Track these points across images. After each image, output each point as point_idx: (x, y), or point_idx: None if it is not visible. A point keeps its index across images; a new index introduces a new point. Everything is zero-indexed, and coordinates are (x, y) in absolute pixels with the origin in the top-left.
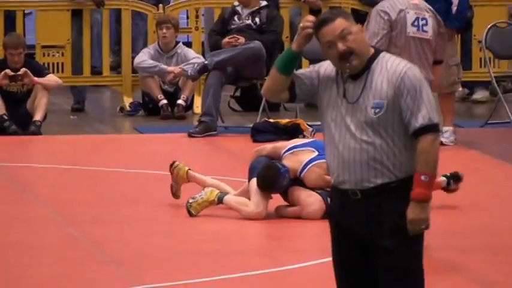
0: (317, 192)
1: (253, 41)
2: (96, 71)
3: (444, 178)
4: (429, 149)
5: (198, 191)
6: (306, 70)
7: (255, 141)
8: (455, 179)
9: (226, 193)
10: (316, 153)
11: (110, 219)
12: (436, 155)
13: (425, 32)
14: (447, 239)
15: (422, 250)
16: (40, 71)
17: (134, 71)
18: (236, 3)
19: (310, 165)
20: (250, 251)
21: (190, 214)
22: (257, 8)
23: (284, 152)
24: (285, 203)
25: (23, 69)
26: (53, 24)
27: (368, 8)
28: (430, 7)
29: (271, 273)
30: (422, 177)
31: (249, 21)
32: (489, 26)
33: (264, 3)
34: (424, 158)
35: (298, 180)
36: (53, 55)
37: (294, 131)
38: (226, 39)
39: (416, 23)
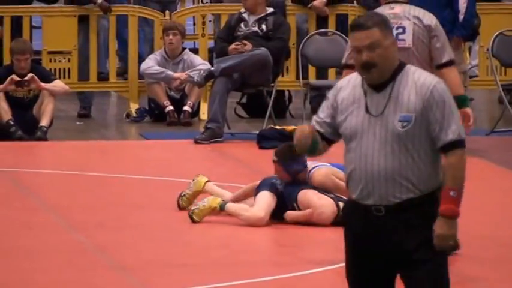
0: (329, 196)
1: (260, 48)
2: (102, 77)
3: None
4: (458, 164)
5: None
6: (323, 114)
7: (261, 147)
8: None
9: (228, 201)
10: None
11: (116, 225)
12: (464, 171)
13: (402, 40)
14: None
15: (448, 261)
16: (47, 77)
17: (141, 77)
18: (243, 10)
19: (319, 166)
20: (257, 258)
21: (193, 221)
22: (264, 14)
23: None
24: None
25: (30, 75)
26: (60, 30)
27: None
28: (418, 14)
29: (279, 279)
30: (451, 193)
31: (256, 28)
32: (496, 34)
33: (271, 10)
34: (453, 173)
35: (308, 185)
36: (60, 61)
37: None
38: (232, 46)
39: None
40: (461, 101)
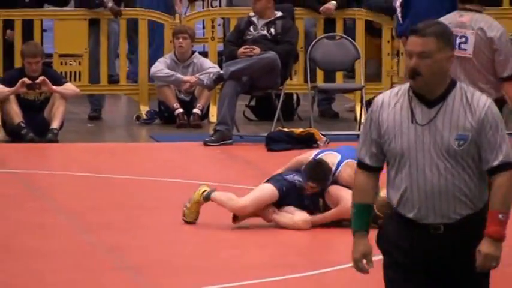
0: None
1: (269, 52)
2: (113, 79)
3: None
4: (507, 186)
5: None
6: (367, 145)
7: (269, 150)
8: None
9: (213, 190)
10: (339, 155)
11: (126, 226)
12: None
13: (464, 49)
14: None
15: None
16: (58, 80)
17: (151, 79)
18: (252, 13)
19: (342, 164)
20: (265, 259)
21: (188, 222)
22: (272, 18)
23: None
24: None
25: (41, 78)
26: (71, 33)
27: (382, 17)
28: (483, 25)
29: (287, 280)
30: (500, 216)
31: (265, 32)
32: None
33: (279, 14)
34: (502, 195)
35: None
36: (71, 64)
37: (308, 140)
38: (241, 50)
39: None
40: None
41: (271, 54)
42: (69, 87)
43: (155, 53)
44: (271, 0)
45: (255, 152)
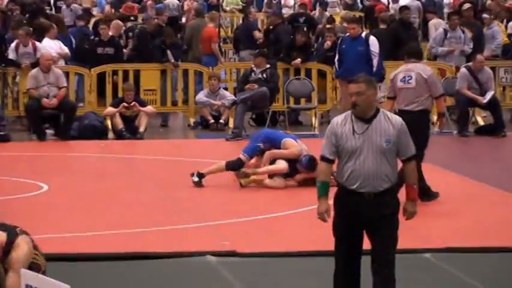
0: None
1: (262, 87)
2: (174, 103)
3: None
4: (415, 169)
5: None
6: (329, 147)
7: None
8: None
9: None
10: (288, 138)
11: (191, 186)
12: (416, 173)
13: (409, 83)
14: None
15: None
16: (143, 103)
17: (195, 103)
18: (253, 65)
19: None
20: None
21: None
22: (264, 68)
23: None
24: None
25: (133, 103)
26: (150, 77)
27: (326, 67)
28: (420, 70)
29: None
30: (415, 186)
31: (260, 76)
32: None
33: (268, 66)
34: (414, 174)
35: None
36: (150, 94)
37: None
38: (247, 86)
39: (403, 79)
40: (440, 115)
41: (264, 89)
42: (149, 108)
43: (198, 88)
44: (264, 58)
45: None
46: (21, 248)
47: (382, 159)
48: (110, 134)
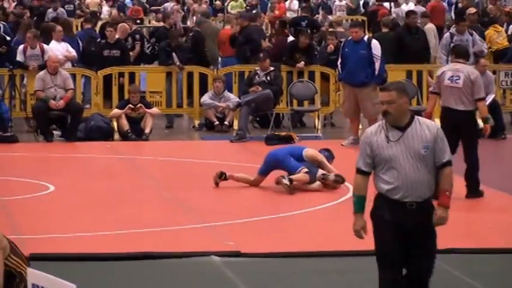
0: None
1: (266, 90)
2: (179, 105)
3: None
4: (450, 175)
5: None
6: (363, 158)
7: (267, 144)
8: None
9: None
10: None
11: (192, 185)
12: (452, 179)
13: (457, 83)
14: None
15: None
16: (148, 105)
17: (200, 105)
18: (257, 68)
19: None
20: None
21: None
22: (268, 71)
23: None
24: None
25: (139, 105)
26: (155, 79)
27: (329, 69)
28: (468, 71)
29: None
30: (447, 193)
31: (264, 78)
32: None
33: (272, 68)
34: (448, 181)
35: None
36: (155, 96)
37: (288, 139)
38: (251, 89)
39: (450, 78)
40: (486, 120)
41: (268, 91)
42: (154, 110)
43: (203, 90)
44: (269, 60)
45: (258, 146)
46: None
47: (422, 167)
48: (116, 136)
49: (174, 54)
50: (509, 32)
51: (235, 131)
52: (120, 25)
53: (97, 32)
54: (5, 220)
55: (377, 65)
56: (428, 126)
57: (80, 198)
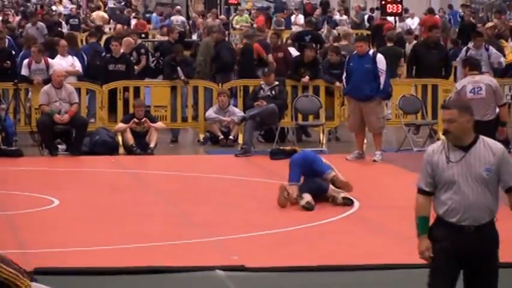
0: None
1: (271, 104)
2: (184, 119)
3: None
4: None
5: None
6: (425, 177)
7: (271, 159)
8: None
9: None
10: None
11: (198, 199)
12: None
13: (480, 94)
14: None
15: None
16: (153, 120)
17: (205, 119)
18: (262, 82)
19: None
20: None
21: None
22: (273, 85)
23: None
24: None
25: (144, 119)
26: (160, 93)
27: (333, 84)
28: (488, 81)
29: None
30: None
31: (269, 93)
32: (400, 96)
33: (277, 83)
34: None
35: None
36: (160, 111)
37: (292, 154)
38: (256, 103)
39: (472, 90)
40: (503, 124)
41: (272, 105)
42: (159, 124)
43: (207, 105)
44: (273, 75)
45: (263, 160)
46: None
47: (483, 190)
48: (121, 150)
49: (178, 68)
50: None
51: (240, 145)
52: (125, 39)
53: (102, 46)
54: (9, 234)
55: (382, 79)
56: (492, 148)
57: (84, 212)
